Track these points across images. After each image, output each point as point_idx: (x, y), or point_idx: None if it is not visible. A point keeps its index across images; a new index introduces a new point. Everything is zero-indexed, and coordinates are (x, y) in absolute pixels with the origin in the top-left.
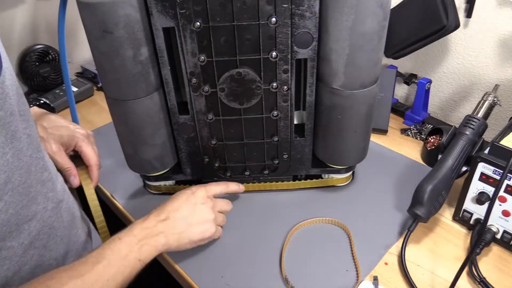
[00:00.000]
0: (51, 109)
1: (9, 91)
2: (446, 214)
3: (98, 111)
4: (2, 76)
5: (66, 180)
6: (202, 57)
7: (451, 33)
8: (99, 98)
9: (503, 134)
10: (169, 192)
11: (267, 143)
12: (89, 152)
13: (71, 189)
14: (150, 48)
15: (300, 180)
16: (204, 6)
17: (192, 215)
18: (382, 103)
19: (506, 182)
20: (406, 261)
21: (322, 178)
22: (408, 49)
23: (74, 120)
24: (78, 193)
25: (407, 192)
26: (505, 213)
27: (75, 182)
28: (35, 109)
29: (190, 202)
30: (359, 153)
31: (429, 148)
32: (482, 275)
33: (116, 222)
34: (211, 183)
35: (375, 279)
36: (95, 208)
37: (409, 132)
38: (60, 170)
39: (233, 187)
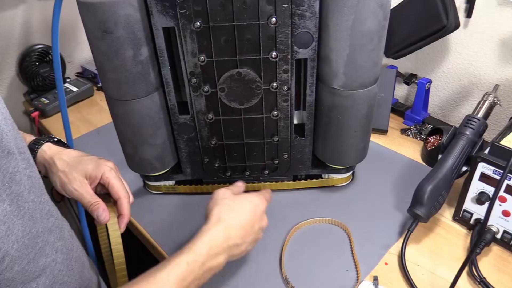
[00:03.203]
0: (66, 147)
1: (4, 126)
2: (446, 214)
3: (98, 111)
4: None
5: (92, 217)
6: (202, 57)
7: (451, 33)
8: (99, 98)
9: (503, 134)
10: (169, 192)
11: (267, 143)
12: (118, 183)
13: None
14: (150, 48)
15: (300, 180)
16: (204, 6)
17: (256, 237)
18: (382, 103)
19: (506, 182)
20: (406, 261)
21: (322, 178)
22: (408, 49)
23: (65, 123)
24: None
25: (407, 192)
26: (505, 213)
27: (104, 217)
28: (50, 146)
29: (256, 221)
30: (359, 153)
31: (429, 148)
32: (482, 275)
33: None
34: (264, 193)
35: (375, 279)
36: (118, 252)
37: (409, 132)
38: (85, 206)
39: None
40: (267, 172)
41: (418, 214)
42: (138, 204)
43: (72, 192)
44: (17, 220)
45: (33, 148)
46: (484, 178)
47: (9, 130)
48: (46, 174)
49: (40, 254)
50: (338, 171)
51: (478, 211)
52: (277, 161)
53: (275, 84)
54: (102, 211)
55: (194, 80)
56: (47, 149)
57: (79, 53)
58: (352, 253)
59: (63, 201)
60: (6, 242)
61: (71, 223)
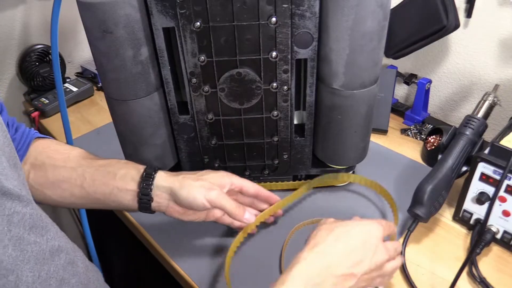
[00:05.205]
0: None
1: (6, 164)
2: (446, 214)
3: (98, 111)
4: None
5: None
6: (202, 57)
7: (451, 33)
8: (99, 98)
9: (503, 134)
10: None
11: (267, 143)
12: (248, 182)
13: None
14: (150, 48)
15: (300, 180)
16: (204, 6)
17: (373, 275)
18: (382, 103)
19: (506, 182)
20: (406, 261)
21: None
22: (408, 49)
23: (65, 123)
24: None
25: (407, 192)
26: (505, 213)
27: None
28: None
29: (368, 250)
30: (359, 153)
31: (429, 148)
32: (482, 275)
33: (115, 222)
34: (382, 221)
35: None
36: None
37: (409, 132)
38: (231, 208)
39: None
40: (267, 172)
41: (418, 214)
42: None
43: (217, 196)
44: (24, 265)
45: (148, 179)
46: (484, 178)
47: (3, 168)
48: (171, 194)
49: None
50: (338, 171)
51: (478, 211)
52: (277, 161)
53: (275, 84)
54: (249, 215)
55: (194, 80)
56: (164, 173)
57: (79, 53)
58: None
59: None
60: None
61: (72, 226)
